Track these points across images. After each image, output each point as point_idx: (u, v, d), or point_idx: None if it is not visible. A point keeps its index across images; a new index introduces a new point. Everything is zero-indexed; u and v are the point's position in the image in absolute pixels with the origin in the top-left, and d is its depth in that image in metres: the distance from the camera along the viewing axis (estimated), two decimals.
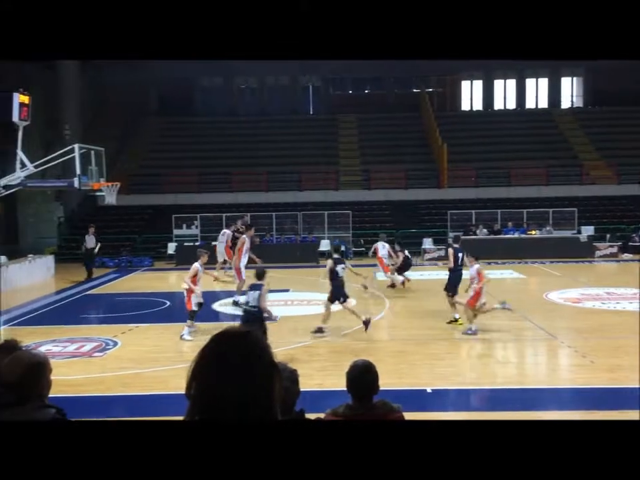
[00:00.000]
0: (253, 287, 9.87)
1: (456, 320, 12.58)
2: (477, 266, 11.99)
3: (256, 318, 9.50)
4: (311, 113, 38.52)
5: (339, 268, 12.03)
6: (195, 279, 11.93)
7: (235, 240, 19.72)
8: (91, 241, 20.42)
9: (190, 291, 11.90)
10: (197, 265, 12.00)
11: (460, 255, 12.91)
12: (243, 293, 12.35)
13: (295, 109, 37.63)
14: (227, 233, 19.87)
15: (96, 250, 20.72)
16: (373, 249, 17.77)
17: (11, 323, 14.04)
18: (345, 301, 12.06)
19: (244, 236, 15.32)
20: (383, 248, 17.24)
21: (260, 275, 10.04)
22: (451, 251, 13.09)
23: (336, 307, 14.74)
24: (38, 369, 2.72)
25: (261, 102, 38.05)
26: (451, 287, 12.85)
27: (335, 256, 12.46)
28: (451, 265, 12.89)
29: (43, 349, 10.61)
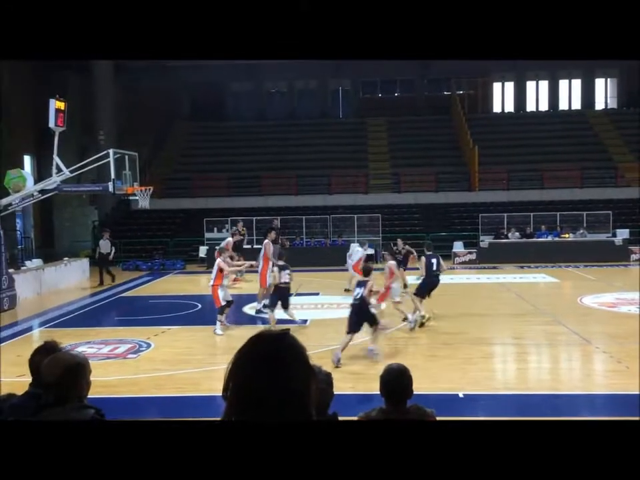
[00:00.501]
0: (360, 284, 10.25)
1: (424, 318, 12.64)
2: (390, 263, 12.42)
3: (363, 311, 10.03)
4: (341, 116, 38.56)
5: (283, 274, 12.29)
6: (221, 274, 12.61)
7: (235, 244, 19.46)
8: (105, 246, 20.08)
9: (215, 287, 12.50)
10: (219, 260, 12.70)
11: (433, 261, 12.99)
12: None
13: (324, 112, 37.72)
14: (229, 240, 19.02)
15: (111, 255, 20.30)
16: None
17: (47, 325, 14.34)
18: (287, 307, 12.55)
19: (267, 240, 14.36)
20: (357, 253, 17.47)
21: (367, 273, 10.39)
22: (423, 259, 13.19)
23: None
24: (77, 369, 2.76)
25: (290, 106, 38.23)
26: (421, 291, 12.95)
27: (280, 263, 12.62)
28: (423, 272, 13.08)
29: (78, 350, 10.82)
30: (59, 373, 2.69)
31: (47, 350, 3.54)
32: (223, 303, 12.54)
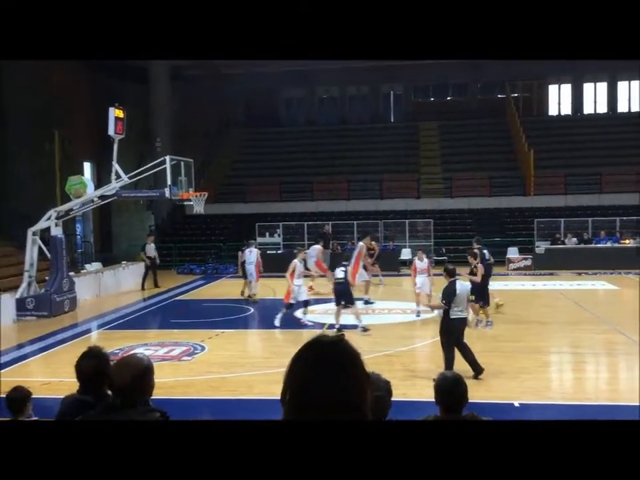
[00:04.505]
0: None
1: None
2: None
3: None
4: (392, 120, 38.38)
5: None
6: (293, 274, 13.21)
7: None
8: (150, 250, 20.55)
9: (291, 284, 13.36)
10: (295, 261, 13.43)
11: (484, 251, 14.55)
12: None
13: (375, 117, 37.64)
14: (316, 247, 19.04)
15: (157, 260, 20.88)
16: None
17: (105, 327, 14.78)
18: None
19: (361, 243, 15.70)
20: (249, 254, 17.81)
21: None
22: (476, 252, 14.39)
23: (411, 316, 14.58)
24: (145, 373, 2.84)
25: (342, 111, 38.31)
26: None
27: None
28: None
29: (135, 352, 11.10)
30: (128, 378, 2.75)
31: (93, 356, 3.61)
32: (291, 302, 13.33)
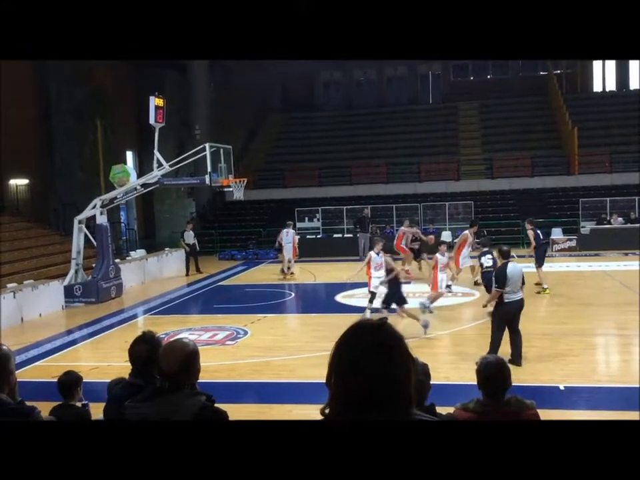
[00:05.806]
0: None
1: (544, 289, 14.60)
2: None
3: None
4: (431, 101, 37.87)
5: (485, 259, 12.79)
6: (369, 265, 12.63)
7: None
8: (189, 237, 20.91)
9: (369, 276, 12.72)
10: (371, 253, 12.79)
11: (538, 232, 15.20)
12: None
13: (414, 98, 37.18)
14: (402, 229, 18.62)
15: (197, 246, 21.24)
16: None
17: (151, 312, 15.11)
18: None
19: (466, 232, 16.06)
20: (286, 235, 19.27)
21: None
22: (531, 232, 15.09)
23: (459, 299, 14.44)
24: (191, 357, 2.90)
25: (379, 93, 37.98)
26: (540, 261, 14.89)
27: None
28: (533, 243, 15.06)
29: (179, 337, 11.32)
30: (175, 363, 2.81)
31: (146, 340, 3.69)
32: (373, 291, 12.70)
